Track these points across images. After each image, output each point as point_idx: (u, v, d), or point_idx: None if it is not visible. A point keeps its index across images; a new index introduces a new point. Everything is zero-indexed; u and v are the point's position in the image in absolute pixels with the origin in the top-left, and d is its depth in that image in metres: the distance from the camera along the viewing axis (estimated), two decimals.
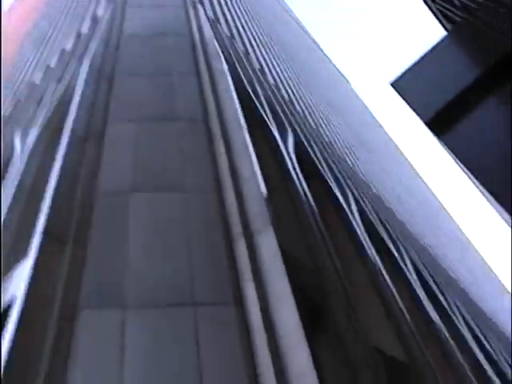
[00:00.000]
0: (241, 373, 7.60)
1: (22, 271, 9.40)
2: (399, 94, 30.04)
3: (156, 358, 7.74)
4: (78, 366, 7.56)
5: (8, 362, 7.06)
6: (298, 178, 14.20)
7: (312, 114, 27.51)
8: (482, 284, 49.45)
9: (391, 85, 30.60)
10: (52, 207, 9.98)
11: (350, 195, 18.15)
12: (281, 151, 14.46)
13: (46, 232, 9.38)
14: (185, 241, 9.87)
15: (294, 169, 14.53)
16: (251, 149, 12.22)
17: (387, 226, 20.02)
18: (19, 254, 10.35)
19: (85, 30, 23.13)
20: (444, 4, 29.99)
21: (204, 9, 24.45)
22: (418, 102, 28.77)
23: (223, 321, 8.40)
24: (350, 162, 26.26)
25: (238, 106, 14.04)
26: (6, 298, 9.22)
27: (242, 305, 8.69)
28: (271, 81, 26.76)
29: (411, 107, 28.56)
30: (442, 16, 32.40)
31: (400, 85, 30.10)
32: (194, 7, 22.14)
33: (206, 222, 10.40)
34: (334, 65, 61.80)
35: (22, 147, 15.04)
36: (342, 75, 64.30)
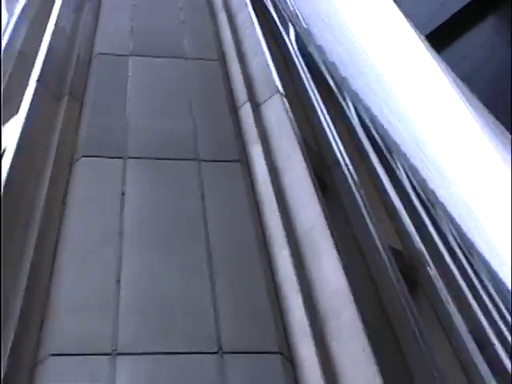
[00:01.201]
0: (246, 222, 7.20)
1: (14, 124, 8.78)
2: (401, 9, 29.46)
3: (158, 207, 7.30)
4: (75, 214, 7.08)
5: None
6: (307, 78, 13.49)
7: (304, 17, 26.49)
8: None
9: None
10: (46, 62, 9.33)
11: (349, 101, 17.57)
12: (286, 45, 13.77)
13: (41, 83, 8.76)
14: (186, 103, 9.34)
15: (302, 68, 13.84)
16: (258, 28, 11.52)
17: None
18: (11, 107, 9.69)
19: None
20: None
21: None
22: (419, 17, 28.30)
23: (228, 176, 7.96)
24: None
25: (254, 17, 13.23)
26: None
27: (247, 163, 8.21)
28: None
29: (414, 23, 28.08)
30: None
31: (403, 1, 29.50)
32: None
33: (208, 88, 9.87)
34: None
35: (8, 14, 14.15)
36: None
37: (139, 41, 10.81)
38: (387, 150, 15.84)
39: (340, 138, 11.37)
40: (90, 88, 9.38)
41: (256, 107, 9.24)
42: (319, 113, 11.17)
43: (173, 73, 10.09)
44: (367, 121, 16.56)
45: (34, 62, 9.39)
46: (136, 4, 12.13)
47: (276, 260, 6.67)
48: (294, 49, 13.74)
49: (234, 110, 9.38)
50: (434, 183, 22.37)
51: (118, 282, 6.09)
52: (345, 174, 9.97)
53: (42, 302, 5.85)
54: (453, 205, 23.08)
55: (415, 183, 16.35)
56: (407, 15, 27.33)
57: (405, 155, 20.16)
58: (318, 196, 7.17)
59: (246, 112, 9.09)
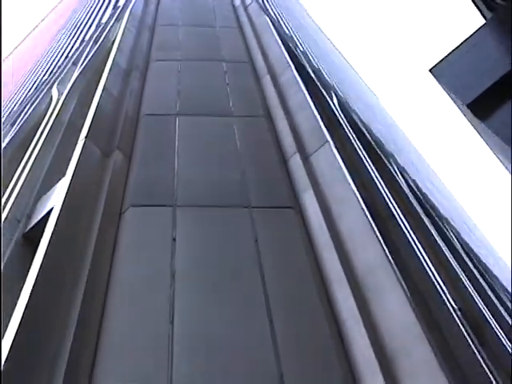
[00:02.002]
0: (303, 264, 6.88)
1: (61, 185, 8.75)
2: (438, 79, 29.62)
3: (210, 252, 7.04)
4: (126, 259, 6.89)
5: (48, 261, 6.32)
6: (348, 129, 13.45)
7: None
8: None
9: (430, 71, 30.17)
10: (94, 120, 9.42)
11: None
12: (328, 103, 13.80)
13: (89, 139, 8.81)
14: (234, 156, 9.25)
15: (343, 120, 13.83)
16: (302, 84, 11.58)
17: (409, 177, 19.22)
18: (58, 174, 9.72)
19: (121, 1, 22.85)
20: None
21: None
22: (458, 85, 28.30)
23: (281, 222, 7.69)
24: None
25: (283, 50, 13.45)
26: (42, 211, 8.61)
27: (300, 209, 7.96)
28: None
29: (451, 91, 28.10)
30: (481, 3, 31.88)
31: (439, 71, 29.68)
32: None
33: (256, 142, 9.79)
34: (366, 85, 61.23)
35: (59, 92, 14.57)
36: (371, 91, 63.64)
37: (186, 102, 10.92)
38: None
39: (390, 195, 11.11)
40: (138, 144, 9.39)
41: (305, 158, 9.08)
42: (366, 166, 10.95)
43: (220, 129, 10.07)
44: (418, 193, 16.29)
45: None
46: (182, 70, 12.33)
47: (337, 300, 6.30)
48: (337, 110, 13.73)
49: (283, 160, 9.23)
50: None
51: (172, 323, 5.79)
52: (400, 227, 9.64)
53: (94, 344, 5.58)
54: None
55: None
56: (447, 87, 27.28)
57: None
58: (378, 238, 6.87)
59: (296, 162, 8.92)
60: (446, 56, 21.17)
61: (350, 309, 5.98)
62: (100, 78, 12.26)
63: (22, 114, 16.54)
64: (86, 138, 8.74)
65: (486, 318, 9.25)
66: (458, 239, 14.98)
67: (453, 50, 20.89)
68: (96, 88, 11.95)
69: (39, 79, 24.52)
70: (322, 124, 9.89)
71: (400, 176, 16.30)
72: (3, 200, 8.97)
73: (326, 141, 9.15)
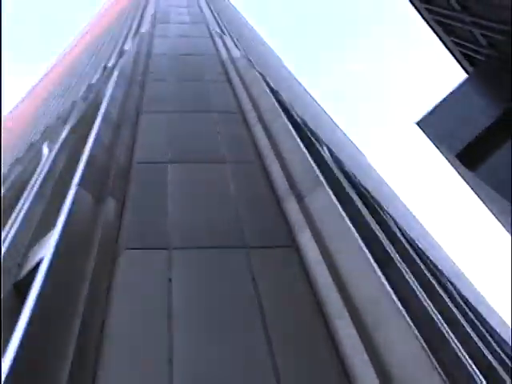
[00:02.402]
0: (303, 301, 6.72)
1: (54, 232, 8.61)
2: (425, 132, 29.91)
3: (207, 291, 6.87)
4: (120, 303, 6.70)
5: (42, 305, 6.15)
6: (340, 175, 13.46)
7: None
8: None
9: (417, 124, 30.48)
10: (86, 168, 9.36)
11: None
12: (319, 150, 13.85)
13: (81, 186, 8.72)
14: (228, 198, 9.17)
15: (335, 167, 13.85)
16: (293, 131, 11.63)
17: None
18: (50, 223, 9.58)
19: (111, 63, 23.16)
20: (466, 44, 30.16)
21: (232, 39, 24.54)
22: (445, 137, 28.57)
23: (279, 260, 7.57)
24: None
25: (274, 100, 13.57)
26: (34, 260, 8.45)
27: (297, 248, 7.85)
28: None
29: (439, 143, 28.34)
30: (462, 58, 32.65)
31: (426, 123, 30.01)
32: (221, 37, 22.20)
33: (249, 185, 9.75)
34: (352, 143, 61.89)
35: (49, 150, 14.56)
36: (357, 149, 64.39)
37: (177, 150, 10.90)
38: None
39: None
40: (131, 190, 9.31)
41: (300, 199, 9.02)
42: (360, 209, 10.91)
43: (212, 175, 10.03)
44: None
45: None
46: (172, 121, 12.38)
47: (339, 333, 6.12)
48: (328, 157, 13.77)
49: (278, 202, 9.16)
50: None
51: (171, 363, 5.58)
52: (399, 269, 9.55)
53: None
54: None
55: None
56: (434, 138, 27.62)
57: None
58: (378, 271, 6.76)
59: (291, 202, 8.86)
60: (432, 109, 21.48)
61: (354, 344, 5.80)
62: (90, 132, 12.28)
63: (12, 174, 16.47)
64: (78, 185, 8.63)
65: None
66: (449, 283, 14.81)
67: (438, 104, 21.18)
68: (86, 141, 11.95)
69: (30, 140, 24.58)
70: (315, 166, 9.89)
71: (392, 222, 16.25)
72: None
73: (320, 182, 9.12)
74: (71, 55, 55.41)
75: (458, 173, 27.55)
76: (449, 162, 27.80)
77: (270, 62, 39.39)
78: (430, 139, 28.09)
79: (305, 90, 59.61)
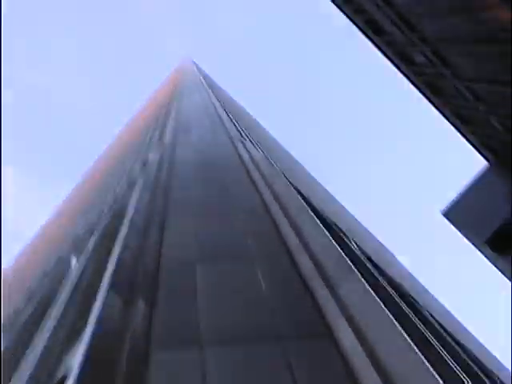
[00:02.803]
0: None
1: (84, 337, 8.50)
2: (452, 221, 29.68)
3: None
4: None
5: None
6: (369, 265, 13.31)
7: None
8: None
9: (443, 214, 30.30)
10: (115, 275, 9.34)
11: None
12: (346, 242, 13.77)
13: (112, 289, 8.67)
14: (260, 293, 9.02)
15: (363, 257, 13.69)
16: (320, 224, 11.62)
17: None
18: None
19: (135, 173, 23.65)
20: (484, 131, 30.43)
21: (251, 142, 25.04)
22: (472, 225, 28.30)
23: (315, 350, 7.30)
24: None
25: (297, 195, 13.66)
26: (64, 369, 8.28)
27: (334, 336, 7.60)
28: None
29: (467, 231, 28.03)
30: (480, 145, 32.79)
31: (452, 213, 29.83)
32: (241, 141, 22.68)
33: (279, 279, 9.60)
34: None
35: (77, 260, 14.64)
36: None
37: (204, 250, 10.87)
38: None
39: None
40: (160, 291, 9.20)
41: (333, 288, 8.85)
42: (394, 299, 10.66)
43: (241, 272, 9.93)
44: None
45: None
46: (197, 225, 12.44)
47: None
48: (355, 248, 13.64)
49: (310, 293, 8.99)
50: None
51: None
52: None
53: None
54: None
55: None
56: (462, 226, 27.39)
57: None
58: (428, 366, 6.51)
59: (324, 292, 8.69)
60: (456, 199, 21.38)
61: None
62: (117, 239, 12.35)
63: (40, 287, 16.52)
64: (107, 288, 8.59)
65: None
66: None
67: (461, 193, 21.12)
68: (113, 249, 12.00)
69: (58, 255, 24.79)
70: (344, 256, 9.78)
71: (427, 313, 15.84)
72: (24, 363, 8.67)
73: (351, 271, 9.00)
74: (95, 173, 56.95)
75: (487, 258, 27.10)
76: (477, 248, 27.41)
77: (289, 162, 40.04)
78: (457, 228, 27.86)
79: (324, 188, 60.13)
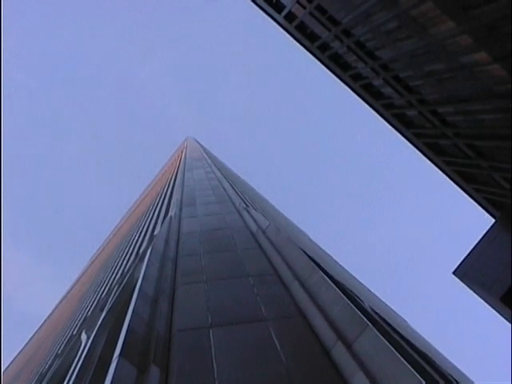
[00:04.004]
0: None
1: None
2: (463, 280, 29.37)
3: None
4: None
5: None
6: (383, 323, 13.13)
7: None
8: None
9: (454, 273, 30.02)
10: (126, 344, 9.27)
11: None
12: (360, 303, 13.63)
13: (123, 357, 8.59)
14: (275, 353, 8.93)
15: (376, 315, 13.54)
16: (331, 283, 11.58)
17: None
18: None
19: (142, 248, 23.71)
20: (488, 189, 30.54)
21: (258, 211, 25.14)
22: (485, 283, 28.00)
23: None
24: None
25: (308, 258, 13.66)
26: None
27: None
28: None
29: (479, 289, 27.71)
30: (486, 202, 32.84)
31: (463, 272, 29.57)
32: (247, 210, 22.82)
33: (293, 339, 9.51)
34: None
35: (87, 335, 14.51)
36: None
37: (217, 315, 10.84)
38: None
39: None
40: (174, 357, 9.13)
41: (349, 345, 8.75)
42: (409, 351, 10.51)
43: (256, 334, 9.87)
44: None
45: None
46: (209, 289, 12.42)
47: None
48: (368, 307, 13.51)
49: (325, 352, 8.88)
50: None
51: None
52: None
53: None
54: None
55: None
56: (475, 284, 27.21)
57: None
58: None
59: (340, 349, 8.59)
60: (466, 257, 21.18)
61: None
62: (127, 310, 12.30)
63: (55, 364, 16.31)
64: (119, 355, 8.51)
65: None
66: None
67: (471, 251, 21.00)
68: (124, 320, 11.94)
69: (68, 335, 24.53)
70: (359, 312, 9.70)
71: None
72: None
73: (366, 324, 8.91)
74: (101, 257, 57.01)
75: (502, 315, 26.71)
76: (491, 305, 27.05)
77: (293, 229, 40.06)
78: (469, 286, 27.60)
79: (330, 256, 59.76)
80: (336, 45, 28.08)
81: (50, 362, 20.72)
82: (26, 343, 64.39)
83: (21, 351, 61.86)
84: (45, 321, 65.72)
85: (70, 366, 13.31)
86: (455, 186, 33.08)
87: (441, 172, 32.85)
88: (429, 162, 32.71)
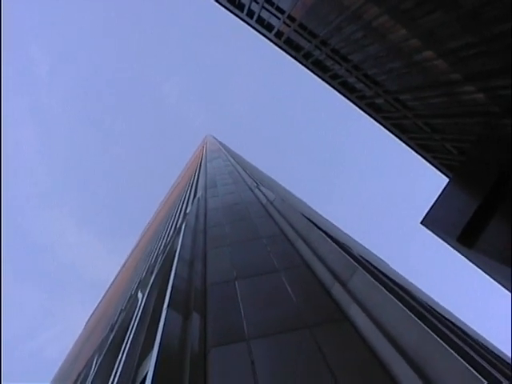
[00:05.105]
0: (367, 365, 6.25)
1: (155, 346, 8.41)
2: (430, 228, 29.23)
3: (285, 369, 6.47)
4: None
5: None
6: (370, 265, 13.08)
7: None
8: None
9: (422, 223, 29.87)
10: (172, 298, 9.28)
11: None
12: (351, 252, 13.56)
13: (171, 308, 8.61)
14: (287, 296, 8.91)
15: (364, 260, 13.47)
16: (328, 238, 11.52)
17: None
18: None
19: (178, 223, 23.71)
20: (441, 155, 30.34)
21: (265, 188, 25.07)
22: (445, 228, 27.88)
23: (338, 332, 7.15)
24: None
25: (307, 220, 13.59)
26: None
27: (350, 320, 7.45)
28: None
29: (441, 233, 27.59)
30: (441, 166, 32.64)
31: (428, 221, 29.44)
32: (257, 188, 22.75)
33: (301, 283, 9.49)
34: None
35: (142, 295, 14.56)
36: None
37: (240, 270, 10.82)
38: None
39: None
40: (210, 305, 9.14)
41: (344, 283, 8.74)
42: (391, 286, 10.45)
43: (271, 282, 9.86)
44: None
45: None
46: (232, 251, 12.40)
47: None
48: (357, 254, 13.45)
49: (326, 291, 8.87)
50: None
51: None
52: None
53: None
54: None
55: None
56: (437, 230, 27.03)
57: None
58: (416, 320, 6.33)
59: (337, 287, 8.58)
60: (430, 209, 20.89)
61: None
62: (171, 272, 12.33)
63: (120, 317, 16.39)
64: (167, 307, 8.52)
65: None
66: None
67: (433, 204, 20.69)
68: (168, 281, 11.96)
69: (129, 294, 24.69)
70: (350, 258, 9.66)
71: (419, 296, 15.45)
72: (113, 372, 8.59)
73: (356, 268, 8.87)
74: (149, 233, 57.13)
75: (461, 253, 26.60)
76: (452, 246, 26.94)
77: (295, 200, 39.96)
78: (434, 232, 27.45)
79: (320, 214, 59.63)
80: (317, 53, 27.78)
81: (116, 316, 20.87)
82: (98, 304, 64.95)
83: (95, 310, 62.45)
84: (110, 285, 66.22)
85: (132, 318, 13.39)
86: (419, 156, 32.85)
87: (406, 146, 32.61)
88: (396, 140, 32.47)
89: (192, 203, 24.42)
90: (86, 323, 59.49)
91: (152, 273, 17.70)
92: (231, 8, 31.20)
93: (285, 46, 30.67)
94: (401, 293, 9.80)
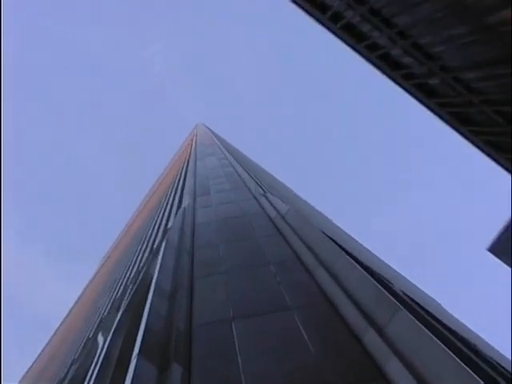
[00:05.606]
0: None
1: None
2: (499, 257, 29.33)
3: None
4: None
5: None
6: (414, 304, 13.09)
7: None
8: None
9: (489, 250, 29.95)
10: (145, 342, 9.28)
11: None
12: (390, 287, 13.59)
13: (142, 356, 8.61)
14: (303, 343, 8.90)
15: (407, 297, 13.48)
16: (358, 266, 11.53)
17: None
18: None
19: (156, 242, 23.79)
20: None
21: (276, 196, 25.13)
22: None
23: None
24: None
25: (331, 241, 13.61)
26: None
27: (387, 378, 7.44)
28: None
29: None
30: None
31: (498, 249, 29.55)
32: (265, 196, 22.79)
33: (321, 327, 9.48)
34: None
35: (104, 337, 14.58)
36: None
37: (239, 306, 10.83)
38: None
39: None
40: (196, 353, 9.16)
41: (380, 329, 8.71)
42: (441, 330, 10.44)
43: (280, 324, 9.87)
44: None
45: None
46: (229, 280, 12.42)
47: None
48: (398, 290, 13.45)
49: (356, 338, 8.85)
50: None
51: None
52: None
53: None
54: None
55: None
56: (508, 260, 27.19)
57: None
58: None
59: (371, 335, 8.56)
60: (500, 234, 21.12)
61: None
62: (144, 309, 12.35)
63: (71, 370, 16.46)
64: (138, 354, 8.52)
65: None
66: None
67: (504, 228, 20.84)
68: (141, 320, 11.97)
69: (85, 338, 24.75)
70: (389, 295, 9.64)
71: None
72: None
73: (398, 307, 8.85)
74: (114, 256, 57.41)
75: None
76: None
77: (316, 215, 40.03)
78: (504, 261, 27.52)
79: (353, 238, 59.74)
80: (349, 14, 27.80)
81: (66, 368, 20.91)
82: (40, 352, 65.14)
83: (38, 356, 62.62)
84: (61, 323, 66.51)
85: (88, 371, 13.39)
86: (485, 156, 32.74)
87: (467, 142, 32.52)
88: (454, 133, 32.36)
89: (175, 215, 24.47)
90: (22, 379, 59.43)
91: (118, 309, 17.74)
92: None
93: (305, 4, 30.75)
94: (458, 344, 9.77)
